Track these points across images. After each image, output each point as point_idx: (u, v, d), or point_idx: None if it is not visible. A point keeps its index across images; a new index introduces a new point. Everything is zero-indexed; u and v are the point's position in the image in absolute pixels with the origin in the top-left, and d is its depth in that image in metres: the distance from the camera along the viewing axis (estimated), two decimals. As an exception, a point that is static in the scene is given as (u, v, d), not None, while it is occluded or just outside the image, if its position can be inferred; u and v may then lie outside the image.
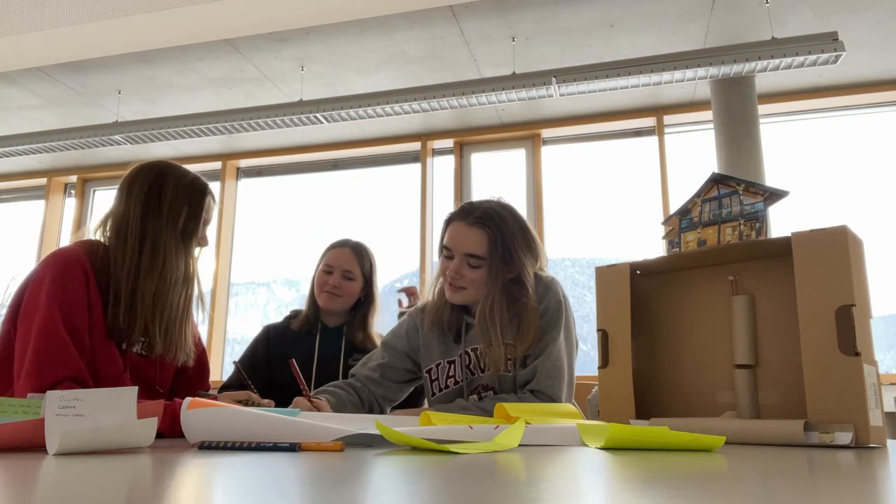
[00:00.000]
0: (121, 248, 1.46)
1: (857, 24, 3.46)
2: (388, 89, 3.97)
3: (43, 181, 5.59)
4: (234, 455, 0.80)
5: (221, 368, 4.91)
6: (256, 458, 0.76)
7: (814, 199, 4.03)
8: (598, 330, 1.31)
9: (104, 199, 5.53)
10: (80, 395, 0.89)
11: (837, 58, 3.28)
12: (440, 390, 1.71)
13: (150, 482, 0.57)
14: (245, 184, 5.36)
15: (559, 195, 4.62)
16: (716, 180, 1.29)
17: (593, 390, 1.67)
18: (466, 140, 4.81)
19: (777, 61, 3.34)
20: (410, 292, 2.92)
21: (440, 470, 0.64)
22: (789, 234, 1.11)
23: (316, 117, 4.01)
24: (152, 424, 0.88)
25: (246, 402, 1.47)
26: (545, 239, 4.46)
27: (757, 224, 1.20)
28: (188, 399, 1.00)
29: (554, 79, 3.62)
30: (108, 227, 1.51)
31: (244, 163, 5.27)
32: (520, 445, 0.93)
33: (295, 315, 2.17)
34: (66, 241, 5.54)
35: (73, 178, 5.56)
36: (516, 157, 4.78)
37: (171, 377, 1.61)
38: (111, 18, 3.46)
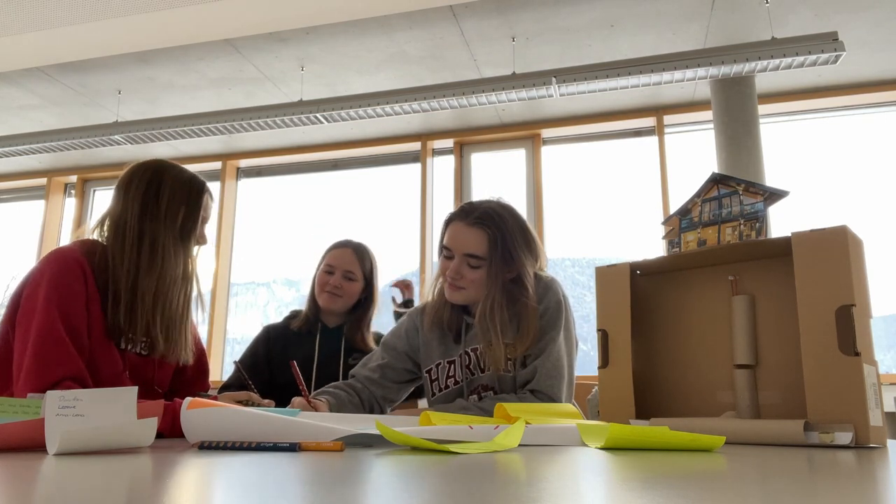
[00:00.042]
0: (119, 247, 1.45)
1: (857, 24, 3.46)
2: (388, 89, 3.97)
3: (43, 181, 5.59)
4: (234, 455, 0.80)
5: (221, 368, 4.91)
6: (256, 458, 0.76)
7: (814, 199, 4.03)
8: (598, 330, 1.31)
9: (104, 199, 5.51)
10: (80, 395, 0.89)
11: (837, 58, 3.28)
12: (440, 390, 1.71)
13: (150, 482, 0.57)
14: (245, 184, 5.36)
15: (559, 195, 4.62)
16: (716, 180, 1.29)
17: (593, 390, 1.67)
18: (466, 140, 4.81)
19: (777, 61, 3.34)
20: (404, 285, 2.88)
21: (440, 470, 0.64)
22: (789, 234, 1.10)
23: (316, 117, 4.01)
24: (152, 424, 0.88)
25: (246, 403, 1.47)
26: (545, 239, 4.46)
27: (757, 224, 1.20)
28: (188, 399, 1.00)
29: (554, 79, 3.62)
30: (105, 227, 1.50)
31: (244, 163, 5.27)
32: (520, 445, 0.93)
33: (295, 315, 2.17)
34: (66, 241, 5.54)
35: (73, 178, 5.57)
36: (516, 157, 4.78)
37: (169, 377, 1.60)
38: (111, 18, 3.46)
